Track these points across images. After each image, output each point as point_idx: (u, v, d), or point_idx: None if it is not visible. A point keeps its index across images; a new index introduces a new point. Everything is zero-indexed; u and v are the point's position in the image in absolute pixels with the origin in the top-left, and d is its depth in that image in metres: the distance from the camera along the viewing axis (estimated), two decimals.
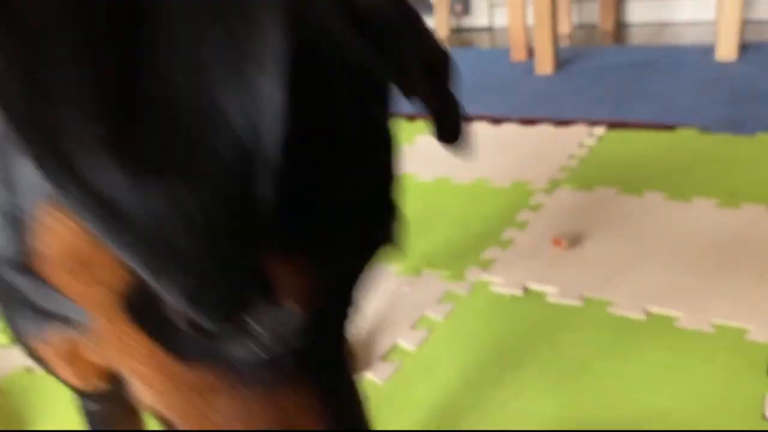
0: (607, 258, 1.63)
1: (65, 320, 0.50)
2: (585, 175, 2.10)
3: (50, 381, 1.27)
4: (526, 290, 1.54)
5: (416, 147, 2.41)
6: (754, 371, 1.23)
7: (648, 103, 2.66)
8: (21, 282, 0.46)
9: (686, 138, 2.28)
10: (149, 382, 0.41)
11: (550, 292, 1.52)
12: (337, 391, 0.42)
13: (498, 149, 2.38)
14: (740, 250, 1.63)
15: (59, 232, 0.36)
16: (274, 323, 0.37)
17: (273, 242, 0.34)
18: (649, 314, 1.41)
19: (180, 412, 0.41)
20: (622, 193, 1.96)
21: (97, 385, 0.61)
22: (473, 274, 1.62)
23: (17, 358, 1.39)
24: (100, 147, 0.28)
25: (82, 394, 0.67)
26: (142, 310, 0.37)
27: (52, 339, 0.56)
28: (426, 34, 0.62)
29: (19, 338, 0.59)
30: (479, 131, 2.57)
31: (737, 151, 2.16)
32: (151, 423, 0.73)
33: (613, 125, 2.46)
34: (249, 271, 0.32)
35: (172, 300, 0.31)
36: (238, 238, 0.29)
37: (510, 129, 2.57)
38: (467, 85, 2.85)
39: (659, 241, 1.70)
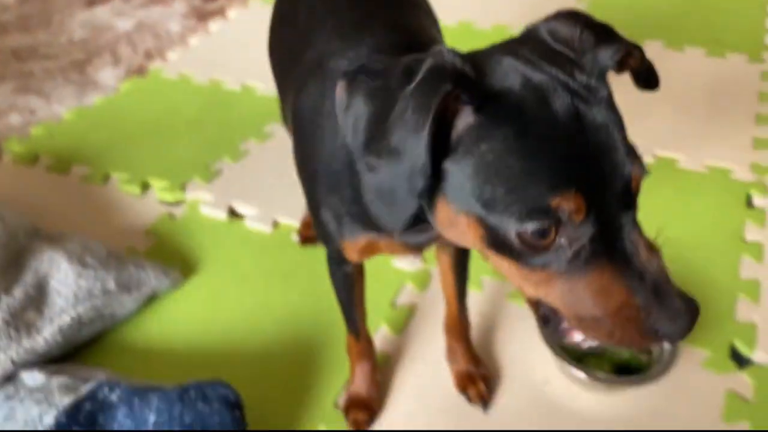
0: (620, 106, 1.96)
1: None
2: None
3: (189, 223, 1.60)
4: None
5: None
6: (737, 205, 1.64)
7: None
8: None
9: None
10: (514, 280, 0.68)
11: None
12: (630, 267, 0.61)
13: None
14: (726, 96, 1.98)
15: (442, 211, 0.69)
16: (573, 236, 0.62)
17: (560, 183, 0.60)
18: (656, 157, 1.79)
19: (533, 293, 0.68)
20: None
21: (364, 259, 0.98)
22: None
23: (157, 207, 1.71)
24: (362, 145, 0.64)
25: (350, 263, 1.02)
26: (497, 245, 0.65)
27: (360, 240, 0.90)
28: None
29: (332, 240, 0.93)
30: None
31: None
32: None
33: None
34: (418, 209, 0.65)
35: (380, 211, 0.69)
36: (408, 199, 0.63)
37: None
38: None
39: (661, 89, 2.03)
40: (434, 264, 1.45)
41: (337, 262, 1.05)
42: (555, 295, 0.65)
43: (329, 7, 1.01)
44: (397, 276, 1.48)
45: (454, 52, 0.63)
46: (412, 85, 0.61)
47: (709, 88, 2.02)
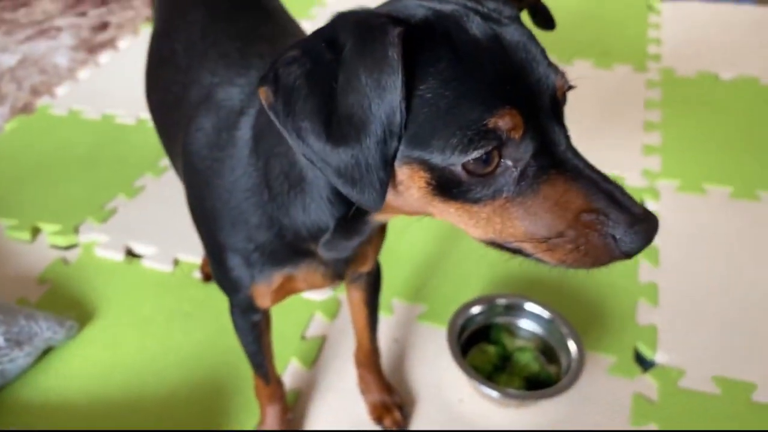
0: None
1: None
2: None
3: (84, 267, 1.52)
4: None
5: None
6: None
7: None
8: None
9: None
10: (465, 223, 0.64)
11: None
12: (581, 175, 0.60)
13: None
14: (615, 106, 2.06)
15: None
16: (516, 156, 0.60)
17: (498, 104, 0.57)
18: None
19: (489, 232, 0.63)
20: None
21: (277, 303, 0.93)
22: None
23: (49, 252, 1.62)
24: (321, 136, 0.57)
25: (258, 310, 0.98)
26: (444, 186, 0.61)
27: (275, 280, 0.86)
28: None
29: (240, 288, 0.89)
30: None
31: (605, 10, 2.54)
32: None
33: None
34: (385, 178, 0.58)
35: (354, 198, 0.60)
36: (380, 170, 0.58)
37: None
38: None
39: None
40: (343, 291, 1.43)
41: (242, 312, 1.01)
42: (512, 222, 0.62)
43: (209, 41, 0.98)
44: (306, 307, 1.45)
45: (357, 9, 0.61)
46: (348, 49, 0.57)
47: (599, 99, 2.10)
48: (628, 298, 1.47)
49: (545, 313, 1.34)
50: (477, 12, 0.62)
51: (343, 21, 0.60)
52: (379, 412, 1.23)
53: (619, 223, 0.58)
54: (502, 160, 0.60)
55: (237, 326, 1.04)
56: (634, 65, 2.26)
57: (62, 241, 1.64)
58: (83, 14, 2.87)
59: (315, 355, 1.36)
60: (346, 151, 0.58)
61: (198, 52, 0.98)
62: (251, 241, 0.83)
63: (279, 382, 1.17)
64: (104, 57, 2.50)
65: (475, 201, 0.62)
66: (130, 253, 1.61)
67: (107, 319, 1.44)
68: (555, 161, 0.61)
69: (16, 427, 1.23)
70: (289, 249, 0.83)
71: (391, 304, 1.45)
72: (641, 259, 1.56)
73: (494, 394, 1.21)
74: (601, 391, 1.29)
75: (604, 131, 1.96)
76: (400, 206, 0.68)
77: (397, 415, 1.23)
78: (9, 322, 1.31)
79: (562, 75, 0.64)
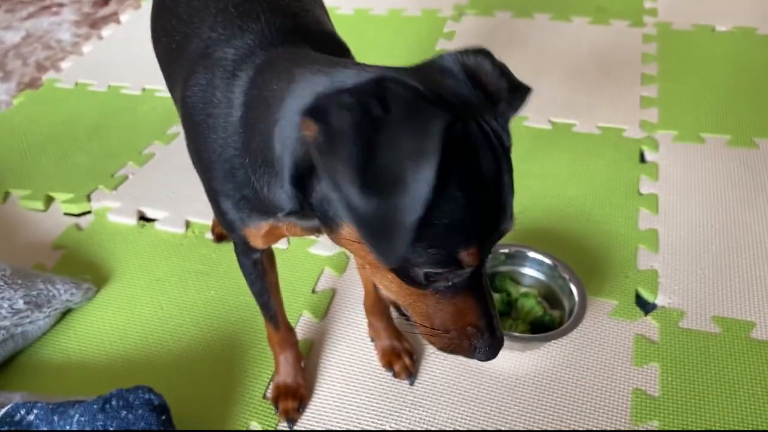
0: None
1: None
2: (484, 1, 2.44)
3: (98, 232, 1.57)
4: None
5: None
6: (631, 161, 1.73)
7: None
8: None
9: None
10: (387, 287, 0.78)
11: None
12: (484, 300, 0.78)
13: None
14: (613, 61, 2.08)
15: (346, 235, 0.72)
16: (458, 274, 0.73)
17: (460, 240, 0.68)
18: (553, 124, 1.86)
19: (406, 303, 0.79)
20: (516, 16, 2.33)
21: (270, 244, 0.98)
22: None
23: (63, 220, 1.67)
24: (356, 181, 0.61)
25: (256, 250, 1.02)
26: (400, 271, 0.72)
27: (263, 226, 0.91)
28: None
29: (235, 229, 0.94)
30: None
31: None
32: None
33: None
34: (409, 245, 0.64)
35: (378, 256, 0.66)
36: (406, 231, 0.62)
37: None
38: None
39: (552, 58, 2.12)
40: None
41: (244, 251, 1.06)
42: (423, 307, 0.78)
43: None
44: (315, 262, 1.49)
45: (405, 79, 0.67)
46: (396, 113, 0.62)
47: (597, 55, 2.11)
48: (628, 245, 1.51)
49: (548, 260, 1.38)
50: (488, 136, 0.69)
51: (395, 84, 0.66)
52: (388, 357, 1.28)
53: (484, 342, 0.79)
54: (449, 274, 0.73)
55: (241, 264, 1.09)
56: (631, 20, 2.27)
57: (75, 208, 1.68)
58: None
59: (325, 307, 1.40)
60: (373, 203, 0.61)
61: (199, 4, 1.00)
62: (238, 192, 0.88)
63: (289, 329, 1.21)
64: (107, 31, 2.52)
65: (411, 285, 0.75)
66: (143, 218, 1.65)
67: (123, 281, 1.48)
68: (474, 284, 0.76)
69: (38, 388, 1.27)
70: (271, 205, 0.87)
71: None
72: (641, 208, 1.59)
73: None
74: (603, 333, 1.33)
75: (603, 86, 1.98)
76: (345, 246, 0.76)
77: (407, 360, 1.27)
78: (28, 285, 1.36)
79: (513, 221, 0.74)
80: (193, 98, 0.91)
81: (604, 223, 1.56)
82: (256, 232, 0.94)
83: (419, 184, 0.60)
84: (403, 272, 0.73)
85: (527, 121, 1.88)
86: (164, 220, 1.63)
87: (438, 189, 0.60)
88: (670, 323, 1.34)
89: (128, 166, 1.80)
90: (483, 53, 0.76)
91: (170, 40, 1.04)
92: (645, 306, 1.39)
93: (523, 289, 1.39)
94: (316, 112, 0.64)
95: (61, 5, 2.76)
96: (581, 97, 1.95)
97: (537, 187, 1.67)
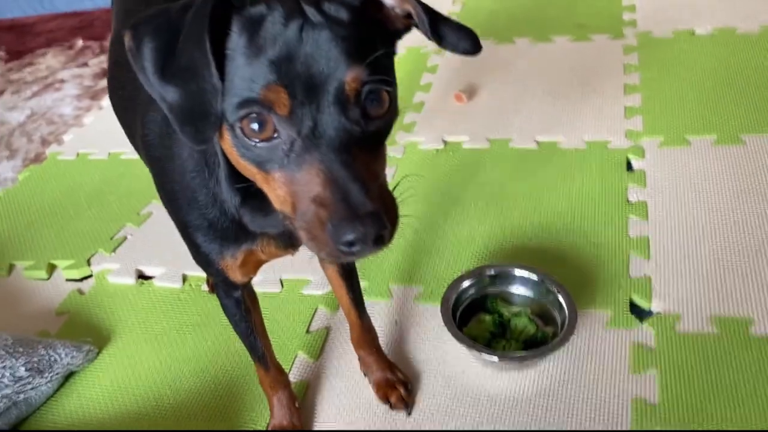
0: (501, 102, 2.06)
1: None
2: None
3: (98, 295, 1.60)
4: (445, 143, 1.96)
5: None
6: (618, 171, 1.73)
7: None
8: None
9: None
10: (271, 196, 0.73)
11: (463, 140, 1.94)
12: (333, 161, 0.67)
13: None
14: (596, 74, 2.09)
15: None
16: (288, 132, 0.68)
17: None
18: (538, 143, 1.87)
19: (278, 204, 0.73)
20: (497, 43, 2.36)
21: (250, 277, 1.00)
22: (401, 138, 2.00)
23: (65, 286, 1.71)
24: (157, 73, 0.68)
25: (237, 287, 1.04)
26: (239, 146, 0.71)
27: (238, 255, 0.93)
28: None
29: (211, 263, 0.96)
30: None
31: None
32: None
33: None
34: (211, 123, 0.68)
35: (178, 130, 0.70)
36: (203, 113, 0.68)
37: None
38: None
39: (535, 80, 2.14)
40: None
41: (225, 290, 1.08)
42: (278, 195, 0.71)
43: None
44: (308, 303, 1.51)
45: None
46: (192, 11, 0.69)
47: (579, 71, 2.13)
48: (620, 255, 1.50)
49: (534, 276, 1.37)
50: (301, 11, 0.70)
51: None
52: (383, 389, 1.28)
53: (337, 217, 0.65)
54: (276, 133, 0.68)
55: (224, 307, 1.11)
56: (611, 33, 2.29)
57: (76, 273, 1.72)
58: (84, 65, 2.99)
59: (320, 346, 1.41)
60: (176, 90, 0.69)
61: None
62: (205, 219, 0.92)
63: (280, 369, 1.22)
64: (107, 100, 2.60)
65: (266, 171, 0.71)
66: (142, 276, 1.68)
67: (123, 340, 1.51)
68: (321, 144, 0.67)
69: None
70: (238, 227, 0.89)
71: (388, 289, 1.50)
72: (631, 216, 1.58)
73: (494, 358, 1.25)
74: (600, 345, 1.31)
75: (587, 101, 1.99)
76: (238, 167, 0.77)
77: (402, 391, 1.27)
78: (29, 352, 1.39)
79: (358, 72, 0.68)
80: (150, 135, 0.97)
81: (594, 235, 1.55)
82: (233, 263, 0.96)
83: (201, 61, 0.67)
84: (242, 145, 0.70)
85: (512, 143, 1.89)
86: (162, 276, 1.66)
87: (220, 58, 0.68)
88: (667, 328, 1.32)
89: (126, 227, 1.84)
90: None
91: (123, 91, 1.13)
92: (640, 313, 1.37)
93: (514, 309, 1.38)
94: (131, 25, 0.71)
95: (62, 81, 2.87)
96: (565, 114, 1.96)
97: (526, 205, 1.67)
